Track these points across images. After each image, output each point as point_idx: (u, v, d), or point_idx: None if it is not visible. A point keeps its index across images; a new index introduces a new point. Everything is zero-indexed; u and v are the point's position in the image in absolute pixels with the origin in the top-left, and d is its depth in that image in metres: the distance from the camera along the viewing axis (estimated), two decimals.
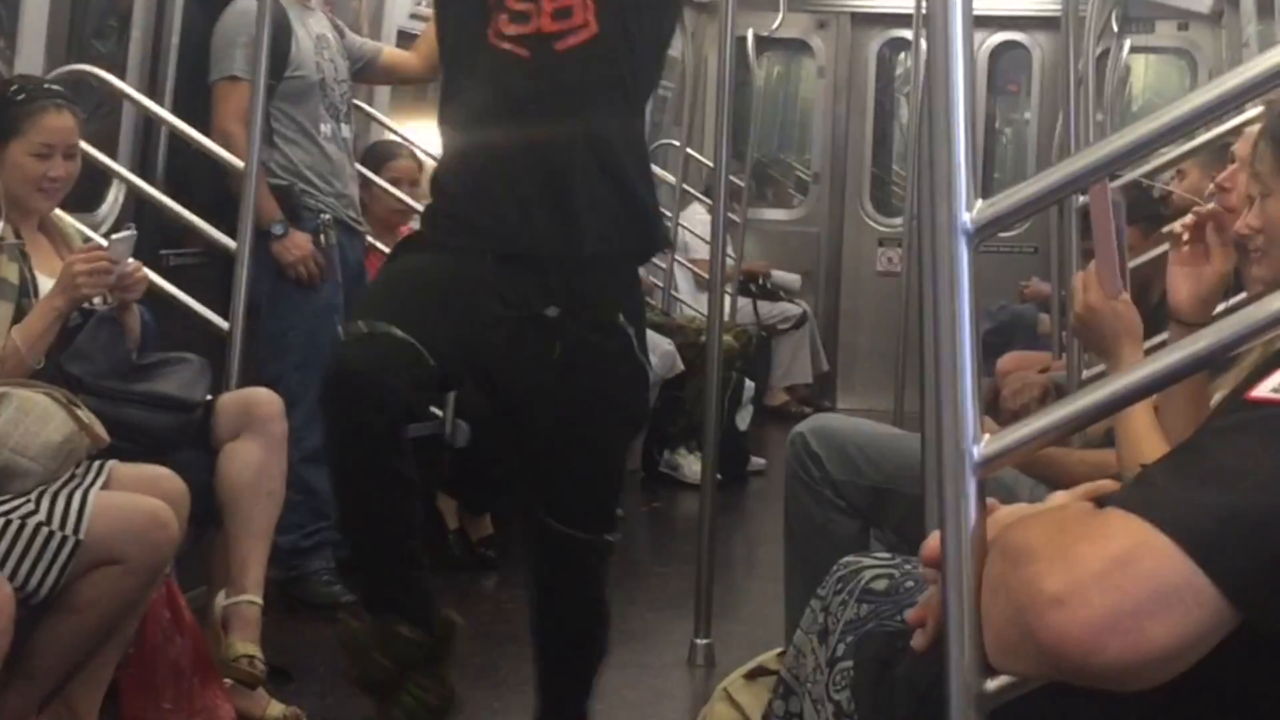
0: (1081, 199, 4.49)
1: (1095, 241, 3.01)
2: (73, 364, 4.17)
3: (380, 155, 6.41)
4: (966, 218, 1.54)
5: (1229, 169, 4.07)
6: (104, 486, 3.80)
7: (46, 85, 4.43)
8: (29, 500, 3.67)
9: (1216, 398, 2.55)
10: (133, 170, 5.17)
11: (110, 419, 4.01)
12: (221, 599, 4.30)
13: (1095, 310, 3.06)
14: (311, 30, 5.46)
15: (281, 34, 5.21)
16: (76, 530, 3.61)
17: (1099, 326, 3.08)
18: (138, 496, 3.80)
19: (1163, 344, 3.21)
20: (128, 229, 4.46)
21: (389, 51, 6.05)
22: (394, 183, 6.30)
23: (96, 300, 4.25)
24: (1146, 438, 2.90)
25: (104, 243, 4.31)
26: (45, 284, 4.17)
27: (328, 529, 5.41)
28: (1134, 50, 9.93)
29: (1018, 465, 3.76)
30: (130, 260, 4.24)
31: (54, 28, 4.84)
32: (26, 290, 4.15)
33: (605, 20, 3.42)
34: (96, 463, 3.91)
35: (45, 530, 3.58)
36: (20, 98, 4.28)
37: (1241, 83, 1.47)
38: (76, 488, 3.75)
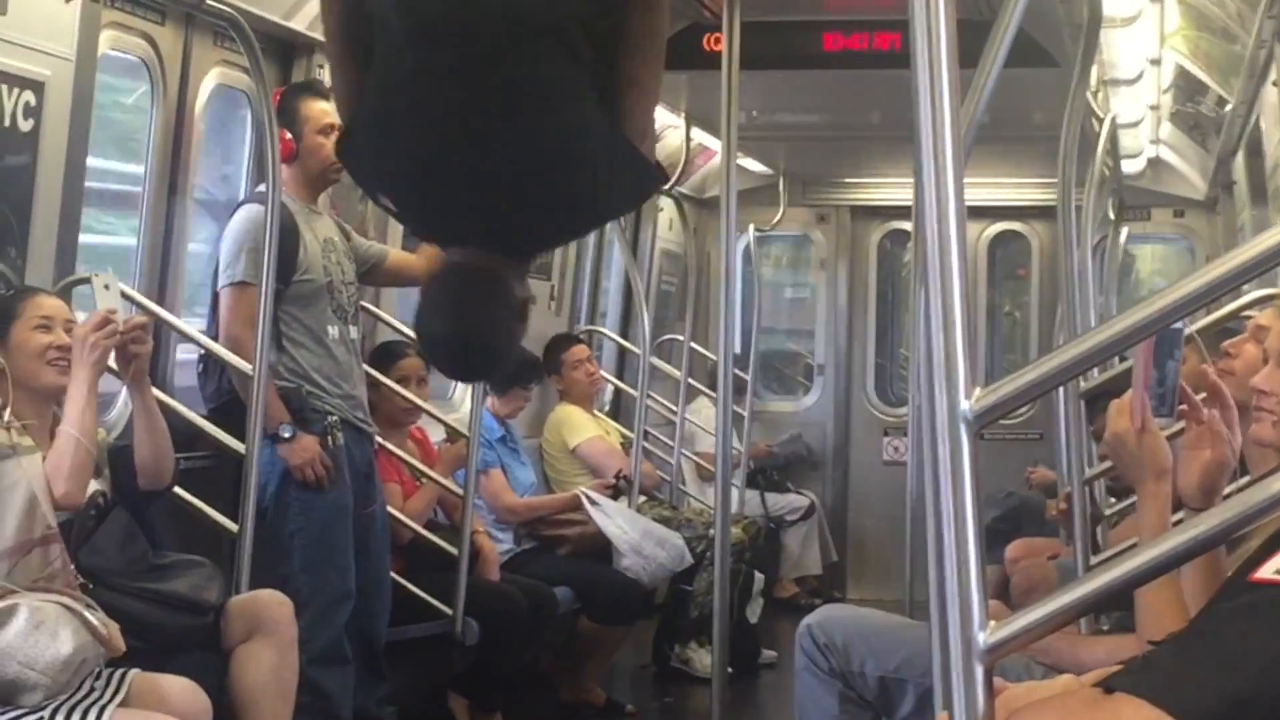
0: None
1: (1134, 370, 2.96)
2: (90, 559, 4.19)
3: (388, 354, 6.46)
4: (966, 405, 1.56)
5: (1236, 338, 4.11)
6: (125, 700, 3.79)
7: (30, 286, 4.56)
8: (42, 717, 3.66)
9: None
10: None
11: (122, 615, 4.03)
12: None
13: (1121, 439, 3.00)
14: (319, 234, 5.53)
15: (289, 238, 5.28)
16: None
17: (1124, 456, 3.03)
18: (156, 716, 3.78)
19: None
20: (101, 271, 4.55)
21: (395, 254, 6.12)
22: (401, 381, 6.34)
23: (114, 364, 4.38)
24: (1168, 612, 2.87)
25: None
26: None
27: None
28: (1131, 238, 10.04)
29: (1030, 655, 3.75)
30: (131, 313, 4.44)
31: (64, 237, 4.91)
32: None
33: None
34: (118, 673, 3.90)
35: None
36: (11, 293, 4.45)
37: (1236, 267, 1.50)
38: (94, 704, 3.72)
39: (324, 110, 5.48)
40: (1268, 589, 1.54)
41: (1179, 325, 3.07)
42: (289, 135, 5.39)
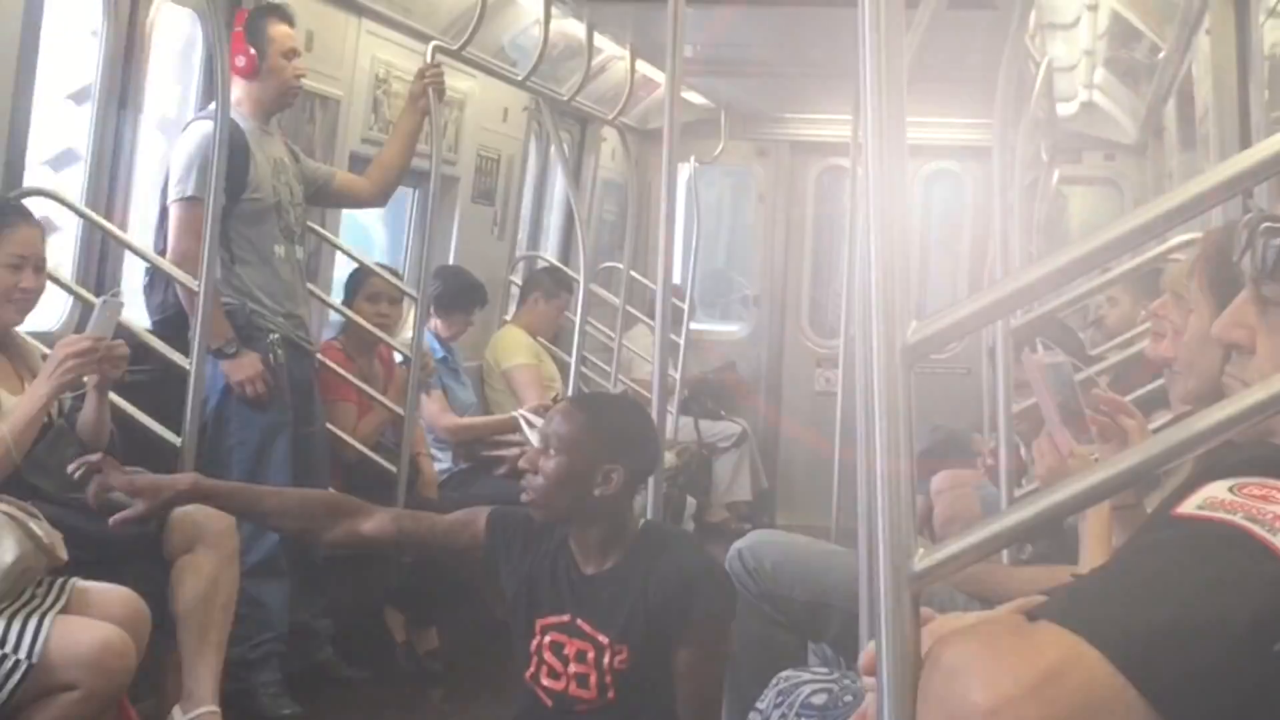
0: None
1: (1041, 406, 3.16)
2: (32, 474, 4.20)
3: (360, 278, 6.60)
4: (903, 336, 1.61)
5: (1160, 300, 4.22)
6: (65, 607, 3.81)
7: (13, 203, 4.52)
8: None
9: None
10: (86, 288, 5.26)
11: (66, 528, 4.02)
12: (179, 715, 4.29)
13: (1053, 471, 3.24)
14: (269, 154, 5.56)
15: (240, 156, 5.31)
16: (30, 654, 3.61)
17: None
18: (96, 623, 3.79)
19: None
20: (113, 294, 4.56)
21: (341, 175, 6.16)
22: (373, 299, 6.54)
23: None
24: (1098, 548, 3.00)
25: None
26: (6, 400, 4.21)
27: (274, 641, 5.45)
28: (1062, 180, 10.12)
29: (955, 584, 3.84)
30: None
31: (14, 145, 4.92)
32: None
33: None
34: (59, 581, 3.92)
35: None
36: None
37: (1164, 211, 1.52)
38: (35, 610, 3.75)
39: (288, 34, 5.57)
40: (1188, 523, 1.54)
41: (1064, 361, 3.25)
42: (253, 52, 5.43)
